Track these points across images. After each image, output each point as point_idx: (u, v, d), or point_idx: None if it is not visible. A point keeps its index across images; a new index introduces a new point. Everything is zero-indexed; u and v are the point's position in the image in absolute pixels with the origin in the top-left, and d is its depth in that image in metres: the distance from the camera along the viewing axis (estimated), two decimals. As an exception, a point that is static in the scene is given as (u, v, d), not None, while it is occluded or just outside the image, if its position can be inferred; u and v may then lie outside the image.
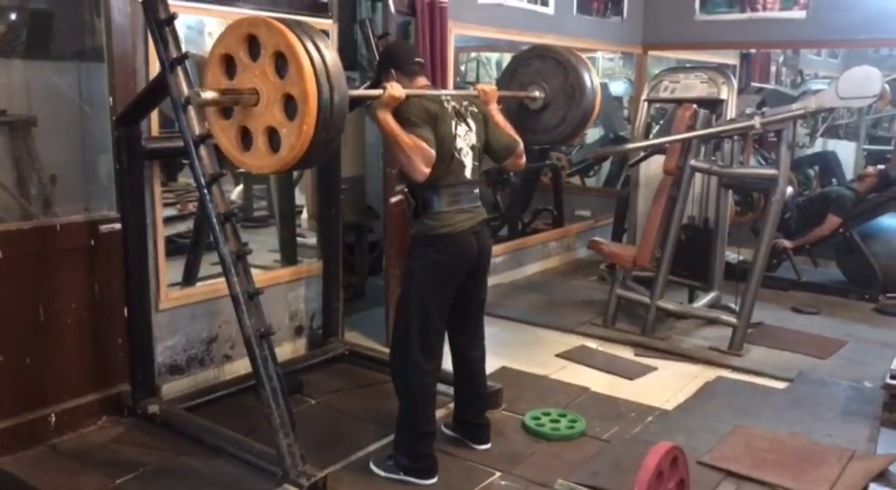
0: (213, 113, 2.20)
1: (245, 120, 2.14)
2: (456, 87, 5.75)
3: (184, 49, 2.84)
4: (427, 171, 2.65)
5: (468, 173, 2.86)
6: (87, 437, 3.21)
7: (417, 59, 2.95)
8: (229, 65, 2.16)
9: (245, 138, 2.16)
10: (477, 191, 2.94)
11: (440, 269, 2.84)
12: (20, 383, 3.08)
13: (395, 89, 2.63)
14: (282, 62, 2.03)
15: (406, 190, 2.90)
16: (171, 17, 2.81)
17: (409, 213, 2.91)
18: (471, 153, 2.87)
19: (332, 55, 2.06)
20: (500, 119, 3.03)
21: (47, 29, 3.36)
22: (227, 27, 2.19)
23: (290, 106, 2.04)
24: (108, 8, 3.12)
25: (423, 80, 2.93)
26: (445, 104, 2.82)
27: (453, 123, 2.81)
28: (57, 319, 3.16)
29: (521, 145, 3.03)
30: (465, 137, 2.86)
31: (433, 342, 2.92)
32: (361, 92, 2.69)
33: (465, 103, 2.92)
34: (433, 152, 2.66)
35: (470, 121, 2.89)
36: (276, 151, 2.09)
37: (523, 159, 3.06)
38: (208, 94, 2.13)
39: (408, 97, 2.68)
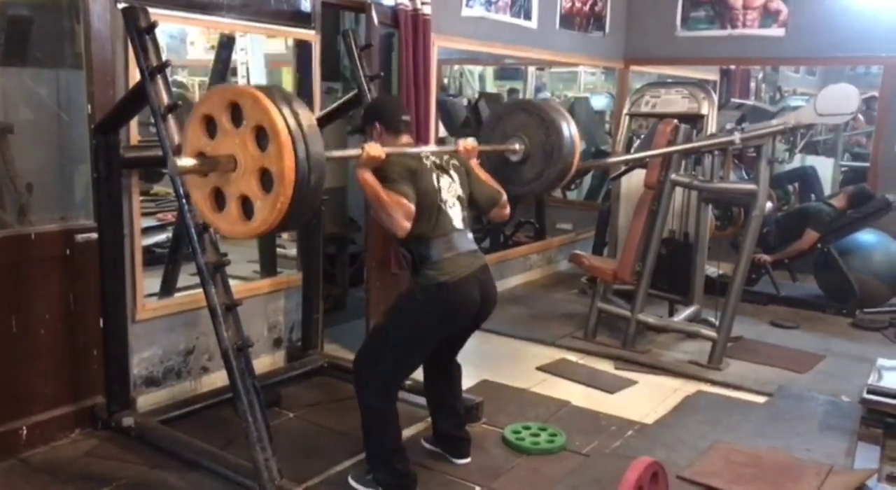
0: None
1: (220, 183, 2.13)
2: (439, 101, 5.77)
3: (164, 57, 2.82)
4: (407, 225, 2.65)
5: (458, 224, 2.86)
6: (60, 451, 3.15)
7: (404, 118, 2.97)
8: (210, 125, 2.15)
9: (218, 199, 2.15)
10: (471, 236, 2.93)
11: (435, 321, 2.83)
12: (-9, 395, 3.02)
13: (374, 149, 2.63)
14: (262, 135, 2.02)
15: (401, 248, 2.90)
16: (152, 26, 2.80)
17: (407, 270, 2.91)
18: (458, 203, 2.89)
19: (312, 132, 2.04)
20: (481, 173, 3.06)
21: (25, 35, 3.32)
22: (213, 90, 2.20)
23: (266, 179, 2.03)
24: (88, 15, 3.09)
25: (406, 138, 2.95)
26: (424, 160, 2.84)
27: (434, 177, 2.83)
28: (30, 330, 3.11)
29: (505, 196, 3.06)
30: (450, 189, 2.88)
31: (402, 376, 2.98)
32: (341, 153, 2.71)
33: (446, 157, 2.95)
34: (412, 207, 2.66)
35: (452, 173, 2.92)
36: (248, 219, 2.09)
37: (507, 209, 3.09)
38: (186, 162, 2.11)
39: (387, 155, 2.68)
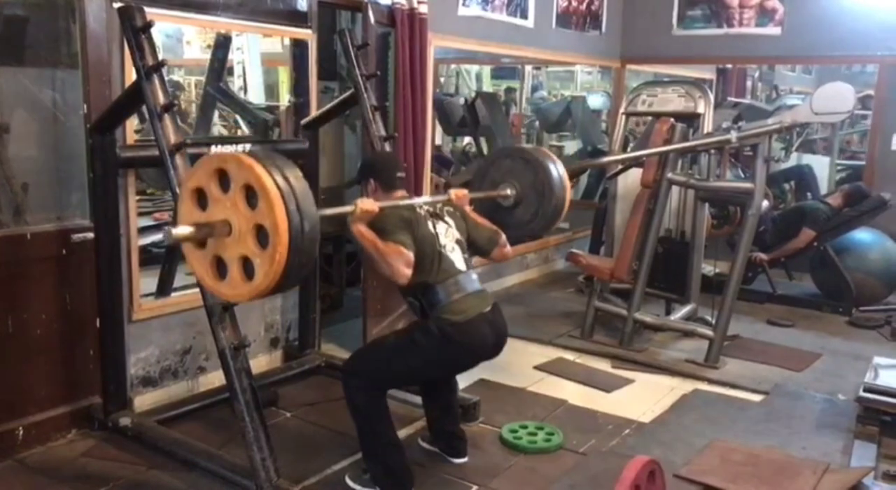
0: (188, 245, 2.21)
1: (219, 250, 2.15)
2: (435, 100, 5.76)
3: (161, 57, 2.81)
4: (408, 272, 2.66)
5: (461, 266, 2.88)
6: (57, 451, 3.15)
7: (399, 174, 3.00)
8: (201, 197, 2.17)
9: (220, 267, 2.17)
10: (476, 277, 2.95)
11: (443, 358, 2.85)
12: (-13, 395, 3.01)
13: (366, 204, 2.65)
14: (251, 194, 2.05)
15: (408, 298, 2.92)
16: (148, 25, 2.79)
17: (418, 317, 2.92)
18: (457, 247, 2.91)
19: (301, 185, 2.08)
20: (475, 217, 3.09)
21: (21, 35, 3.31)
22: (198, 163, 2.21)
23: (261, 235, 2.05)
24: (84, 14, 3.09)
25: (401, 193, 2.98)
26: (418, 209, 2.87)
27: (430, 224, 2.86)
28: (26, 330, 3.10)
29: (503, 235, 3.09)
30: (447, 234, 2.90)
31: (392, 387, 3.02)
32: (334, 210, 2.74)
33: (439, 205, 2.99)
34: (411, 255, 2.67)
35: (448, 218, 2.95)
36: (250, 279, 2.11)
37: (509, 248, 3.12)
38: (182, 230, 2.13)
39: (381, 209, 2.69)
